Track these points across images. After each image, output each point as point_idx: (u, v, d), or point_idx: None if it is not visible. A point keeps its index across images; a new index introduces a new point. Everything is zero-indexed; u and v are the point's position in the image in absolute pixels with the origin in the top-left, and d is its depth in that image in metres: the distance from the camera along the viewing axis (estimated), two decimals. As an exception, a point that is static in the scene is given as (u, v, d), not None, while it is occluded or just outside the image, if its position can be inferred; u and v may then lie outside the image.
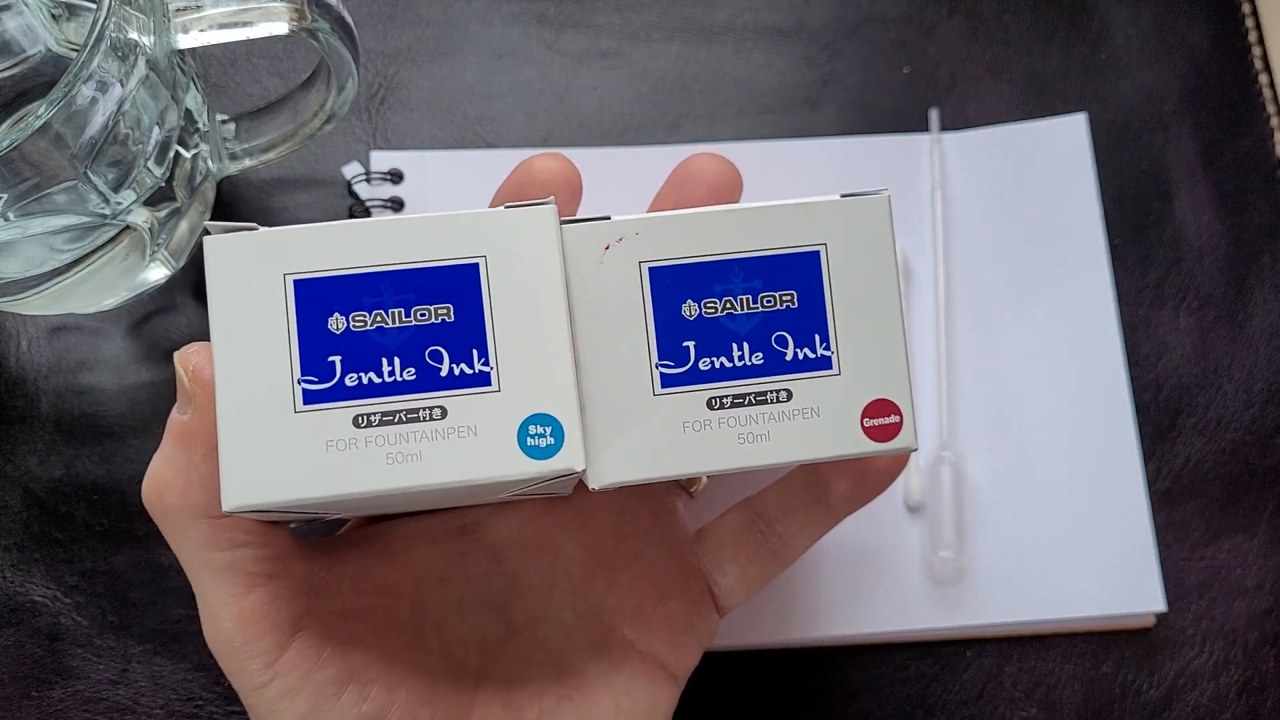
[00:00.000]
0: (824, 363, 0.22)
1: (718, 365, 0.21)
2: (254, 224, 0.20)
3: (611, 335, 0.21)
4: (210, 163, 0.31)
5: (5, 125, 0.30)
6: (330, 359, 0.20)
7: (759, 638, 0.32)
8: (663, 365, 0.21)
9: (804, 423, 0.21)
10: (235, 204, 0.35)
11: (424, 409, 0.20)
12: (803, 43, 0.38)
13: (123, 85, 0.26)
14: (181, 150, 0.29)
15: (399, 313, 0.20)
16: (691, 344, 0.21)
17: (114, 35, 0.25)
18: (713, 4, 0.38)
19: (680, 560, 0.28)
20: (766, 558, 0.28)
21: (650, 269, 0.21)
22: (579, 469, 0.20)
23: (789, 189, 0.35)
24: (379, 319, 0.20)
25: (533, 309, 0.20)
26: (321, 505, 0.20)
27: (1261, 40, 0.38)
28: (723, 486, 0.31)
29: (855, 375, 0.22)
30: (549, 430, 0.20)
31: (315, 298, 0.20)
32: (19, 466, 0.32)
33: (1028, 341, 0.35)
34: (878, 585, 0.33)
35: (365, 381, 0.20)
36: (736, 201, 0.26)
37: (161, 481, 0.22)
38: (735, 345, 0.21)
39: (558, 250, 0.21)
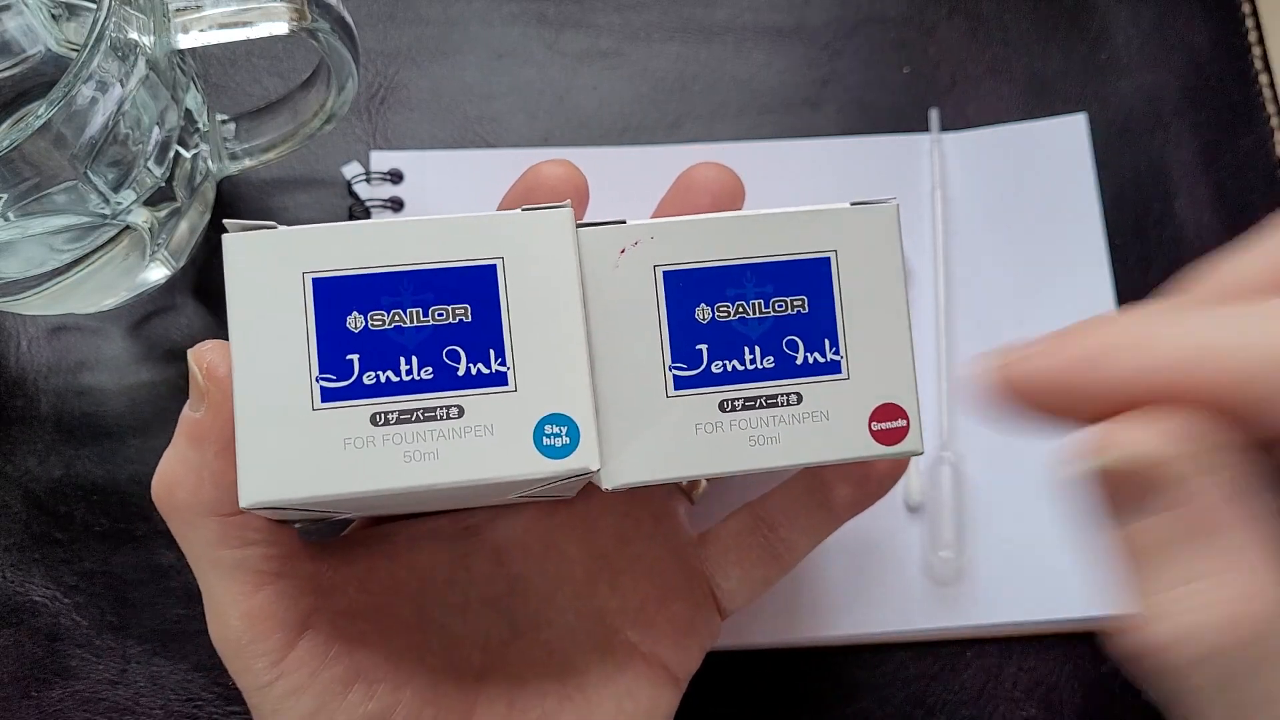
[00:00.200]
0: (833, 367, 0.22)
1: (730, 368, 0.22)
2: (273, 223, 0.20)
3: (626, 337, 0.21)
4: (210, 163, 0.31)
5: (5, 125, 0.30)
6: (348, 357, 0.20)
7: (759, 638, 0.32)
8: (676, 367, 0.21)
9: (813, 426, 0.22)
10: (235, 204, 0.35)
11: (441, 408, 0.20)
12: (803, 43, 0.38)
13: (123, 85, 0.26)
14: (181, 150, 0.29)
15: (417, 312, 0.20)
16: (704, 347, 0.22)
17: (114, 35, 0.25)
18: (713, 4, 0.38)
19: (683, 563, 0.28)
20: (769, 561, 0.28)
21: (665, 273, 0.22)
22: (594, 469, 0.20)
23: (789, 189, 0.35)
24: (397, 318, 0.20)
25: (549, 310, 0.21)
26: (337, 503, 0.20)
27: (1261, 40, 0.38)
28: (724, 491, 0.31)
29: (863, 380, 0.22)
30: (565, 430, 0.20)
31: (334, 296, 0.20)
32: (19, 466, 0.32)
33: (1028, 341, 0.35)
34: (878, 585, 0.33)
35: (383, 380, 0.20)
36: (739, 208, 0.26)
37: (173, 478, 0.22)
38: (747, 349, 0.22)
39: (574, 253, 0.21)
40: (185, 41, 0.27)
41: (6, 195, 0.26)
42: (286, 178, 0.35)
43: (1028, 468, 0.34)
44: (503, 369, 0.20)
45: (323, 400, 0.20)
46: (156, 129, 0.27)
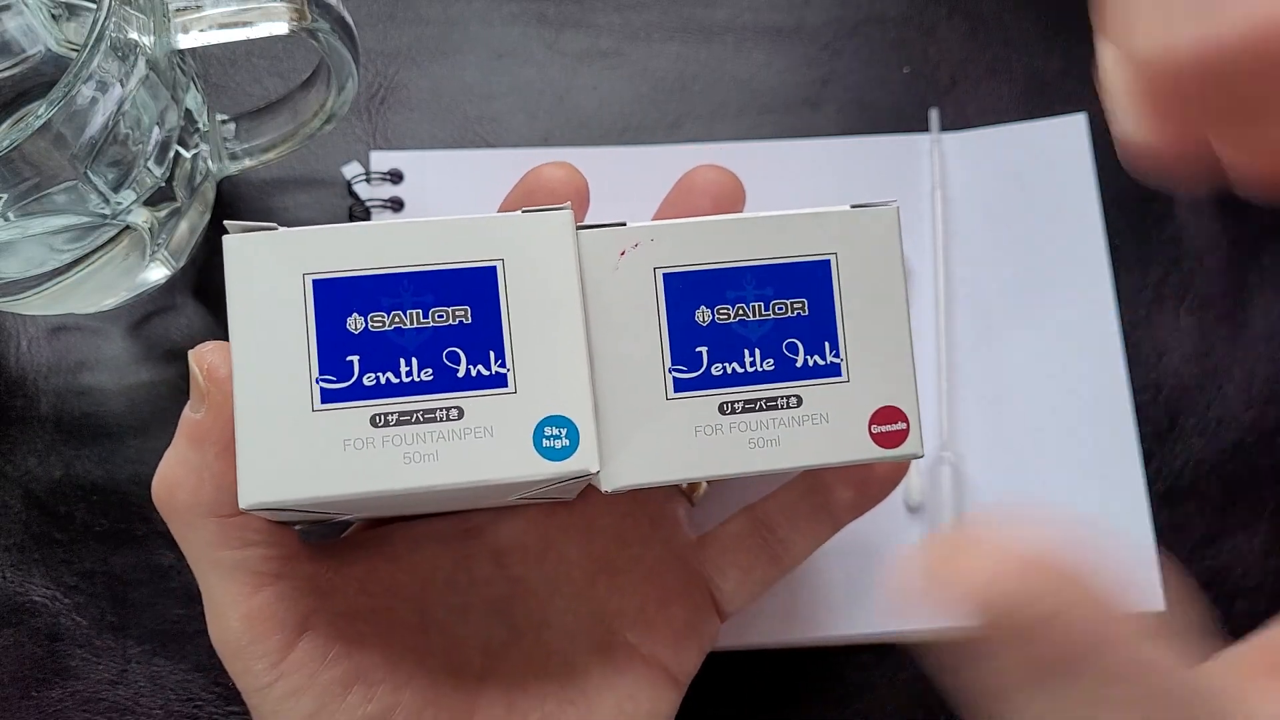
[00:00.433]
0: (833, 370, 0.22)
1: (730, 371, 0.22)
2: (273, 224, 0.20)
3: (626, 339, 0.21)
4: (210, 163, 0.31)
5: (5, 125, 0.30)
6: (349, 358, 0.20)
7: (759, 638, 0.32)
8: (676, 370, 0.21)
9: (813, 428, 0.22)
10: (235, 204, 0.35)
11: (441, 409, 0.20)
12: (803, 43, 0.38)
13: (123, 85, 0.26)
14: (181, 150, 0.29)
15: (417, 313, 0.20)
16: (704, 349, 0.22)
17: (114, 35, 0.25)
18: (713, 4, 0.38)
19: (682, 565, 0.28)
20: (768, 563, 0.28)
21: (665, 275, 0.22)
22: (594, 470, 0.20)
23: (789, 189, 0.35)
24: (397, 320, 0.20)
25: (549, 312, 0.21)
26: (337, 504, 0.20)
27: (1261, 40, 0.38)
28: (723, 494, 0.31)
29: (863, 382, 0.22)
30: (564, 432, 0.20)
31: (334, 298, 0.20)
32: (19, 466, 0.32)
33: (1027, 342, 0.35)
34: (878, 585, 0.33)
35: (383, 381, 0.20)
36: (740, 211, 0.26)
37: (173, 479, 0.22)
38: (747, 351, 0.22)
39: (574, 254, 0.21)
40: (185, 41, 0.27)
41: (6, 195, 0.26)
42: (286, 178, 0.35)
43: (1028, 468, 0.34)
44: (502, 370, 0.20)
45: (323, 401, 0.20)
46: (156, 129, 0.27)
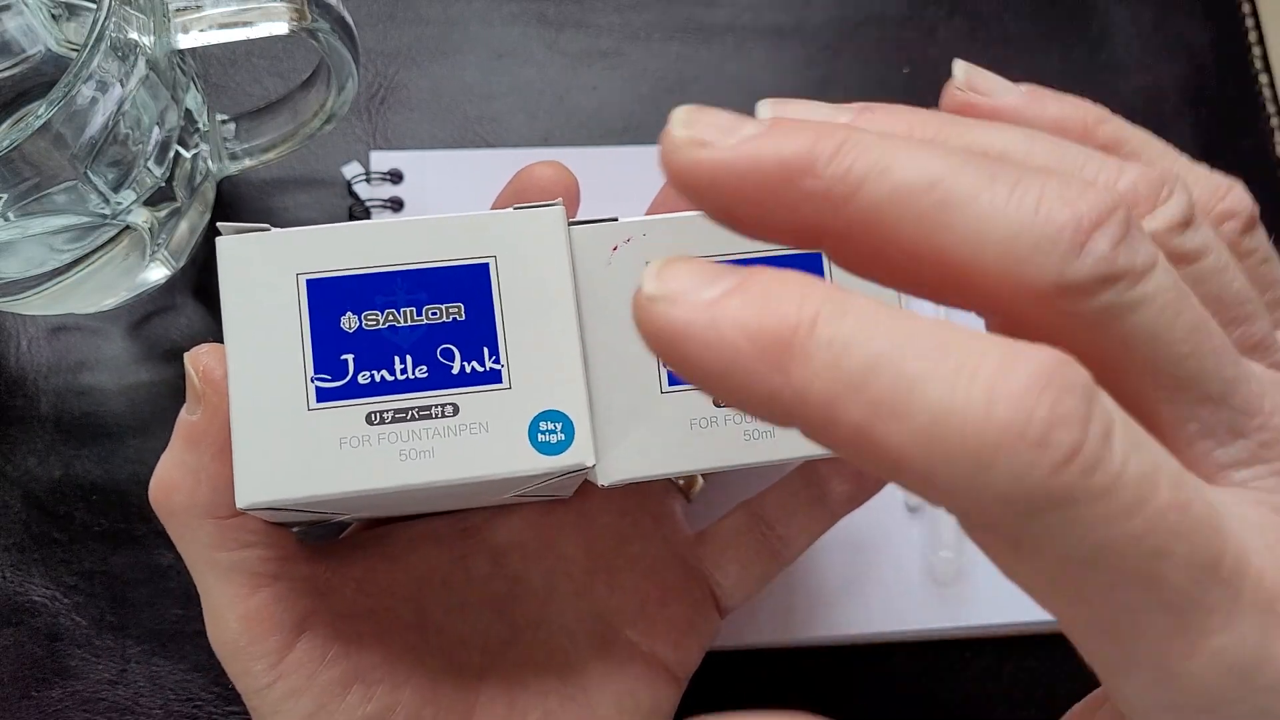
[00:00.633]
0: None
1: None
2: (266, 225, 0.20)
3: (619, 334, 0.21)
4: (210, 163, 0.31)
5: (5, 125, 0.30)
6: (343, 357, 0.20)
7: (759, 637, 0.32)
8: None
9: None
10: (235, 204, 0.35)
11: (436, 406, 0.20)
12: (803, 43, 0.38)
13: (123, 85, 0.26)
14: (181, 150, 0.29)
15: (410, 311, 0.20)
16: None
17: (114, 35, 0.25)
18: (713, 4, 0.38)
19: (681, 562, 0.28)
20: (766, 558, 0.28)
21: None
22: (589, 464, 0.20)
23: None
24: (391, 318, 0.20)
25: (542, 308, 0.21)
26: (334, 503, 0.20)
27: (1261, 40, 0.38)
28: (721, 489, 0.31)
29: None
30: (559, 426, 0.20)
31: (328, 297, 0.20)
32: (19, 466, 0.32)
33: (1028, 342, 0.35)
34: (877, 585, 0.33)
35: (378, 379, 0.20)
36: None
37: (170, 482, 0.22)
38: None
39: (566, 250, 0.21)
40: (185, 41, 0.27)
41: (6, 195, 0.26)
42: (286, 178, 0.35)
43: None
44: (497, 367, 0.20)
45: (318, 400, 0.20)
46: (156, 129, 0.27)
